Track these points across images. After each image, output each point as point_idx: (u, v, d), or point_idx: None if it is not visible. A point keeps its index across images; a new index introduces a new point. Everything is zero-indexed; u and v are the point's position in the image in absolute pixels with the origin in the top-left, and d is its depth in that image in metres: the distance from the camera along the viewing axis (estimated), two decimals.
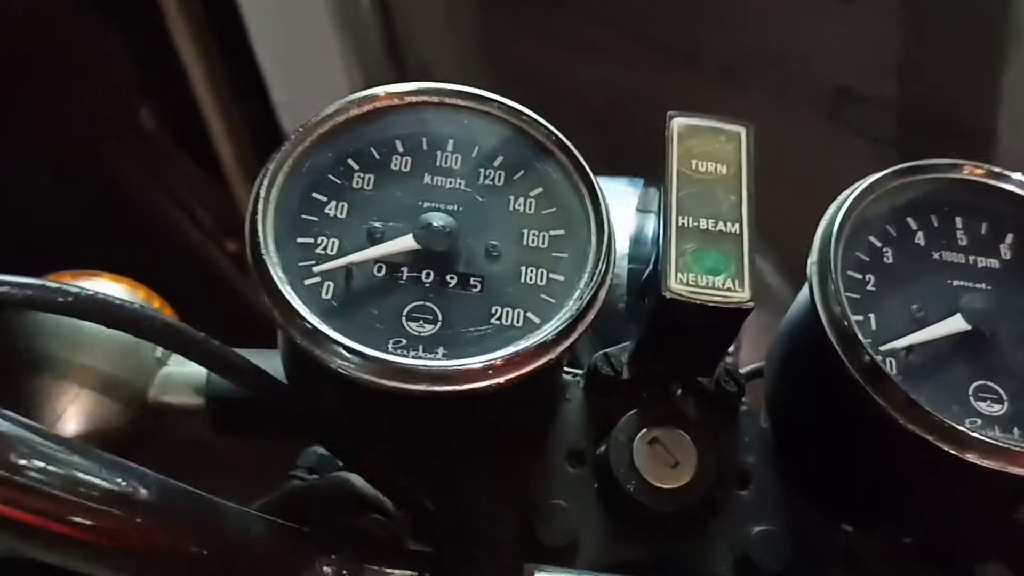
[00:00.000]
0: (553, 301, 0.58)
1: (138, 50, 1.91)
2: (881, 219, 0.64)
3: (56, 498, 0.45)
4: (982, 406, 0.58)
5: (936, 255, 0.64)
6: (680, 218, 0.60)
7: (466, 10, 2.13)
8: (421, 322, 0.56)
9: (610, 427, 0.64)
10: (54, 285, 0.56)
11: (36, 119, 1.70)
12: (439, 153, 0.63)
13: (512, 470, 0.62)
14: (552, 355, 0.55)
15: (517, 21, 2.04)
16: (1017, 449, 0.54)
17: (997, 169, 0.65)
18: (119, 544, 0.47)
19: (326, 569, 0.54)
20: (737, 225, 0.60)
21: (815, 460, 0.65)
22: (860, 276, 0.62)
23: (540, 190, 0.62)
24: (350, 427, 0.59)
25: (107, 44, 1.85)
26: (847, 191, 0.63)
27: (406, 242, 0.58)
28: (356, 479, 0.68)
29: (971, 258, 0.64)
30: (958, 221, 0.65)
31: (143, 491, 0.46)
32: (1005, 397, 0.58)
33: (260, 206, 0.56)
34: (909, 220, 0.64)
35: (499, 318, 0.57)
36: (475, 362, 0.53)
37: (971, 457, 0.54)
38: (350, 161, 0.61)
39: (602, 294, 0.58)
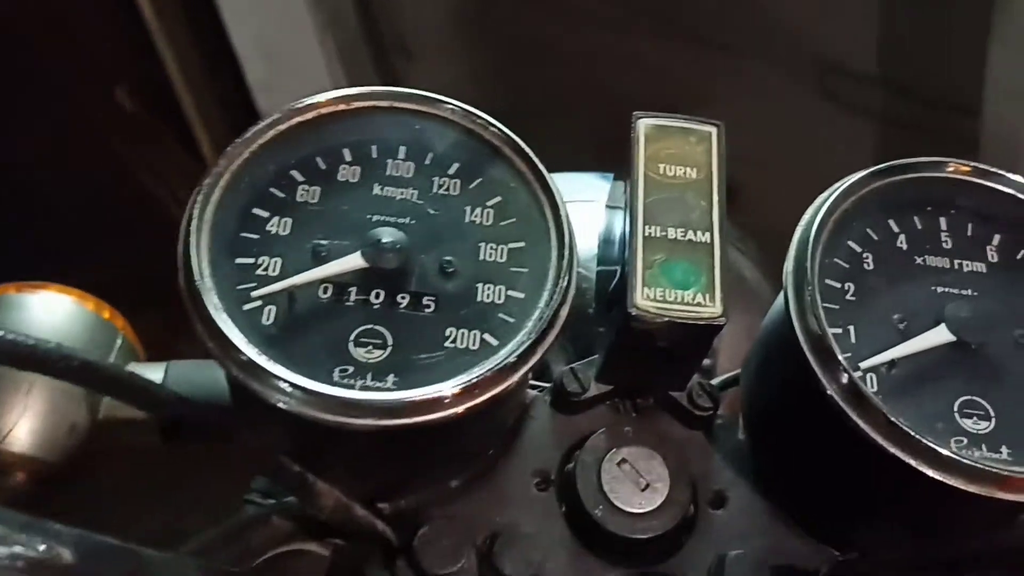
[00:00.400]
0: (512, 321, 0.54)
1: (112, 28, 1.88)
2: (861, 222, 0.60)
3: None
4: (968, 423, 0.55)
5: (919, 260, 0.60)
6: (647, 227, 0.57)
7: None
8: (370, 347, 0.53)
9: (578, 446, 0.61)
10: None
11: (18, 102, 1.67)
12: (390, 161, 0.59)
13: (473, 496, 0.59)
14: (511, 381, 0.52)
15: None
16: (1005, 473, 0.51)
17: (983, 167, 0.61)
18: None
19: None
20: (708, 234, 0.57)
21: (795, 477, 0.62)
22: (839, 285, 0.58)
23: (498, 199, 0.58)
24: (296, 458, 0.55)
25: (82, 21, 1.81)
26: (825, 193, 0.60)
27: (354, 261, 0.54)
28: None
29: (956, 262, 0.60)
30: (943, 222, 0.61)
31: (65, 552, 0.42)
32: (992, 413, 0.55)
33: (193, 227, 0.52)
34: (891, 223, 0.61)
35: (454, 341, 0.53)
36: (427, 392, 0.50)
37: (957, 483, 0.50)
38: (294, 173, 0.57)
39: (564, 313, 0.54)
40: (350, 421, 0.49)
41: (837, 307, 0.57)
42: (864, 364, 0.55)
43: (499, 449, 0.61)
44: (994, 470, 0.51)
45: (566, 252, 0.55)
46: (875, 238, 0.60)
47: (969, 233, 0.61)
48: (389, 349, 0.53)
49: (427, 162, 0.59)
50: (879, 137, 1.59)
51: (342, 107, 0.58)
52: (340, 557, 0.62)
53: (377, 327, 0.53)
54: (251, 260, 0.54)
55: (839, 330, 0.56)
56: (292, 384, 0.49)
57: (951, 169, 0.61)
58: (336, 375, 0.51)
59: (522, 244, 0.57)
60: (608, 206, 0.76)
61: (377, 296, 0.54)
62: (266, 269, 0.54)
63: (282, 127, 0.57)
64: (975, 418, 0.55)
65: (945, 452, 0.51)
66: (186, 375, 0.67)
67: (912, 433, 0.51)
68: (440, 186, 0.58)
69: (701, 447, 0.63)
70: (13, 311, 0.67)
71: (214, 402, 0.59)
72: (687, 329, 0.54)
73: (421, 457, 0.56)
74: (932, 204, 0.61)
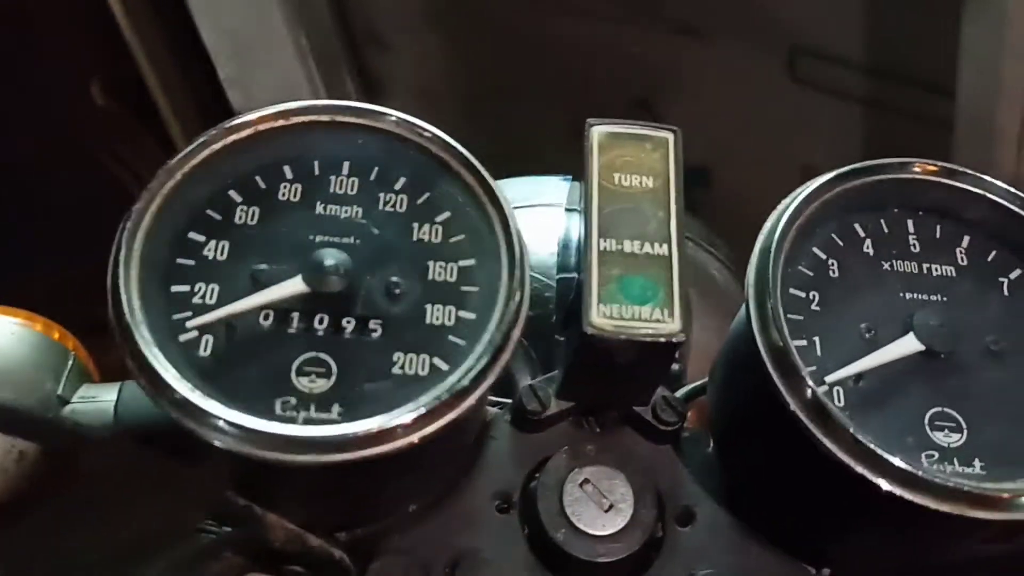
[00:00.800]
0: (463, 343, 0.52)
1: (84, 23, 1.84)
2: (826, 228, 0.58)
3: None
4: (939, 436, 0.53)
5: (887, 265, 0.58)
6: (602, 241, 0.54)
7: None
8: (313, 376, 0.50)
9: (539, 466, 0.59)
10: None
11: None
12: (333, 178, 0.56)
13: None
14: (462, 408, 0.49)
15: None
16: (976, 491, 0.49)
17: (951, 166, 0.59)
18: None
19: None
20: (666, 246, 0.55)
21: (763, 492, 0.60)
22: (803, 294, 0.56)
23: (447, 215, 0.56)
24: (243, 491, 0.53)
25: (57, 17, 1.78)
26: (787, 199, 0.57)
27: (294, 285, 0.51)
28: None
29: (925, 266, 0.58)
30: (910, 225, 0.59)
31: None
32: (964, 425, 0.53)
33: (122, 256, 0.50)
34: (857, 227, 0.58)
35: (402, 367, 0.51)
36: (373, 424, 0.47)
37: (927, 502, 0.48)
38: (231, 193, 0.55)
39: (516, 334, 0.52)
40: (292, 458, 0.46)
41: (801, 318, 0.55)
42: (830, 378, 0.53)
43: (459, 470, 0.59)
44: (965, 488, 0.49)
45: (517, 270, 0.53)
46: (840, 244, 0.58)
47: (937, 235, 0.59)
48: (333, 378, 0.50)
49: (372, 178, 0.56)
50: (853, 120, 1.56)
51: (280, 123, 0.56)
52: None
53: (320, 355, 0.51)
54: (187, 288, 0.51)
55: (804, 342, 0.54)
56: (228, 422, 0.46)
57: (918, 169, 0.59)
58: (278, 407, 0.49)
59: (472, 262, 0.54)
60: (567, 209, 0.74)
61: (321, 322, 0.52)
62: (203, 297, 0.51)
63: (216, 146, 0.54)
64: (946, 430, 0.53)
65: (913, 470, 0.49)
66: (140, 395, 0.64)
67: (878, 451, 0.49)
68: (386, 203, 0.56)
69: (669, 461, 0.60)
70: None
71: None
72: (645, 346, 0.52)
73: (375, 488, 0.54)
74: (899, 206, 0.59)
